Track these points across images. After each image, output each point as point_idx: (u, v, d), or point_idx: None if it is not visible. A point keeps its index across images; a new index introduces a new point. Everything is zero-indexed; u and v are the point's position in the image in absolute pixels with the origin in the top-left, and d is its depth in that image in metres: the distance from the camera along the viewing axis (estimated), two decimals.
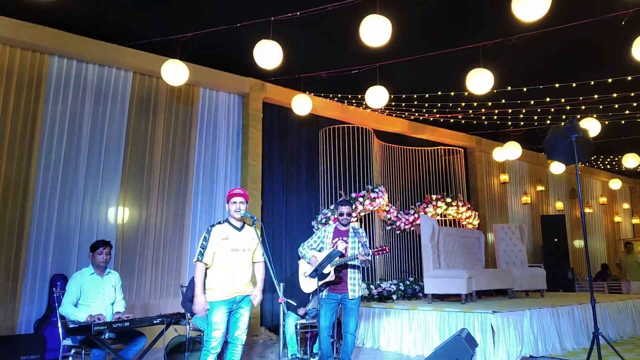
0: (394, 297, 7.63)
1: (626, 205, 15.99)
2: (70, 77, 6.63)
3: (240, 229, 3.92)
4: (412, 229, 9.32)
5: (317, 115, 8.65)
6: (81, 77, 6.72)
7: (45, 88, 6.41)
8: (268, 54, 5.37)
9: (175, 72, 5.90)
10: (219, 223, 3.94)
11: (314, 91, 8.07)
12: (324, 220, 8.08)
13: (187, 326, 5.13)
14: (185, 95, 7.63)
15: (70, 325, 3.96)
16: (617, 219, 15.50)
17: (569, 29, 5.54)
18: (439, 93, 7.65)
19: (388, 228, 9.01)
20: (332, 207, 8.15)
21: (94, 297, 4.14)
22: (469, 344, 4.80)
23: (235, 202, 3.90)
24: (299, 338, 5.63)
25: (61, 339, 4.07)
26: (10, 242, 5.92)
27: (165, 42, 6.34)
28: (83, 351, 3.92)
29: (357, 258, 4.40)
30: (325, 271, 4.35)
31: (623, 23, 5.44)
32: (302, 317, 5.66)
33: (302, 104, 7.33)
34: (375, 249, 4.46)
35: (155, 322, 3.95)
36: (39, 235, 6.13)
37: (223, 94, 8.09)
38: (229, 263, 3.77)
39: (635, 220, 16.12)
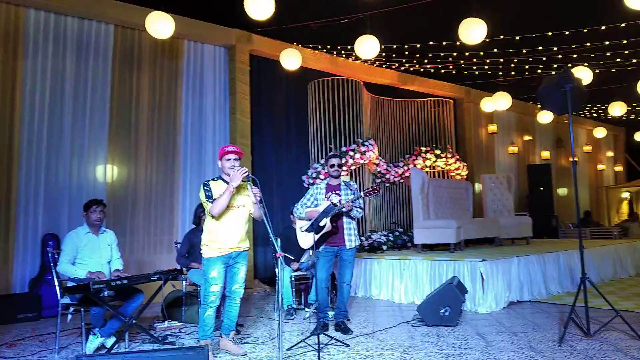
0: (384, 247, 7.78)
1: (610, 153, 16.24)
2: (49, 31, 6.36)
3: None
4: (401, 181, 9.40)
5: (306, 67, 8.47)
6: (60, 31, 6.44)
7: (23, 43, 6.15)
8: (260, 3, 5.17)
9: (160, 25, 5.69)
10: (213, 180, 3.91)
11: (303, 43, 7.87)
12: (314, 175, 8.09)
13: (184, 282, 5.21)
14: (169, 49, 7.40)
15: (69, 284, 3.98)
16: (600, 166, 15.77)
17: None
18: (431, 43, 7.51)
19: (378, 181, 9.06)
20: (322, 161, 8.14)
21: (91, 256, 4.15)
22: (460, 291, 4.96)
23: (229, 159, 3.86)
24: (294, 289, 5.76)
25: (59, 297, 4.10)
26: None
27: None
28: (82, 309, 3.95)
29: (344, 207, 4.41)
30: (322, 224, 4.39)
31: None
32: (296, 270, 5.76)
33: (291, 59, 7.15)
34: (366, 190, 4.49)
35: (152, 278, 3.99)
36: (28, 195, 6.06)
37: (209, 47, 7.86)
38: (225, 219, 3.78)
39: (618, 168, 16.42)
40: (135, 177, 6.92)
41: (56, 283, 4.15)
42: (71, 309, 4.11)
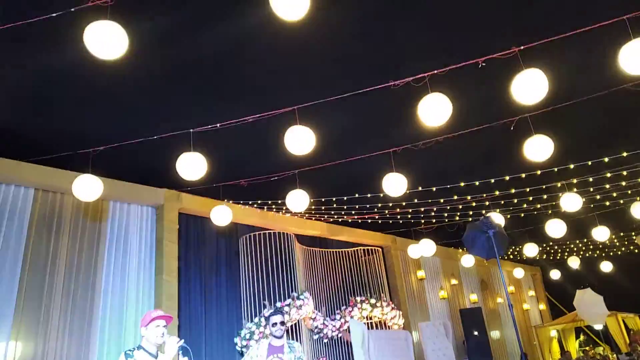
0: None
1: (531, 293, 16.93)
2: None
3: (156, 356, 3.51)
4: (339, 335, 9.00)
5: (236, 223, 8.45)
6: None
7: None
8: (192, 166, 5.27)
9: (87, 187, 5.53)
10: (135, 349, 3.51)
11: (233, 199, 7.95)
12: (248, 336, 7.56)
13: None
14: (93, 211, 7.13)
15: None
16: (525, 306, 16.26)
17: (469, 133, 6.13)
18: (357, 195, 7.90)
19: (315, 337, 8.61)
20: (256, 319, 7.69)
21: None
22: None
23: (159, 326, 3.53)
24: None
25: None
26: None
27: (71, 156, 6.00)
28: None
29: None
30: None
31: (512, 128, 6.12)
32: None
33: (222, 215, 7.13)
34: None
35: None
36: None
37: (135, 207, 7.67)
38: None
39: (541, 307, 17.02)
40: (44, 352, 6.03)
41: None
42: None
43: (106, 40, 3.72)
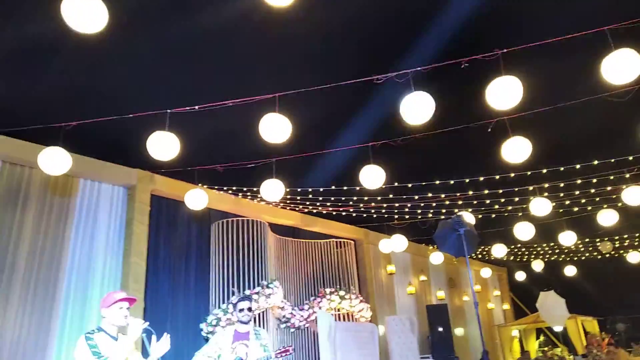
0: None
1: (497, 292, 17.31)
2: None
3: (117, 339, 3.44)
4: (306, 325, 9.03)
5: (210, 208, 8.35)
6: None
7: None
8: (164, 145, 5.14)
9: (55, 160, 5.34)
10: (95, 331, 3.42)
11: (207, 184, 7.85)
12: (214, 322, 7.51)
13: None
14: (62, 187, 6.93)
15: None
16: (490, 305, 16.61)
17: (447, 132, 6.18)
18: (333, 187, 7.91)
19: (283, 326, 8.62)
20: (223, 306, 7.64)
21: None
22: None
23: (122, 308, 3.45)
24: None
25: None
26: None
27: (42, 130, 5.80)
28: None
29: None
30: None
31: (489, 130, 6.18)
32: None
33: (196, 199, 7.02)
34: (278, 351, 4.19)
35: None
36: None
37: (106, 186, 7.49)
38: None
39: (505, 306, 17.42)
40: (2, 330, 5.86)
41: None
42: None
43: (85, 13, 3.59)
